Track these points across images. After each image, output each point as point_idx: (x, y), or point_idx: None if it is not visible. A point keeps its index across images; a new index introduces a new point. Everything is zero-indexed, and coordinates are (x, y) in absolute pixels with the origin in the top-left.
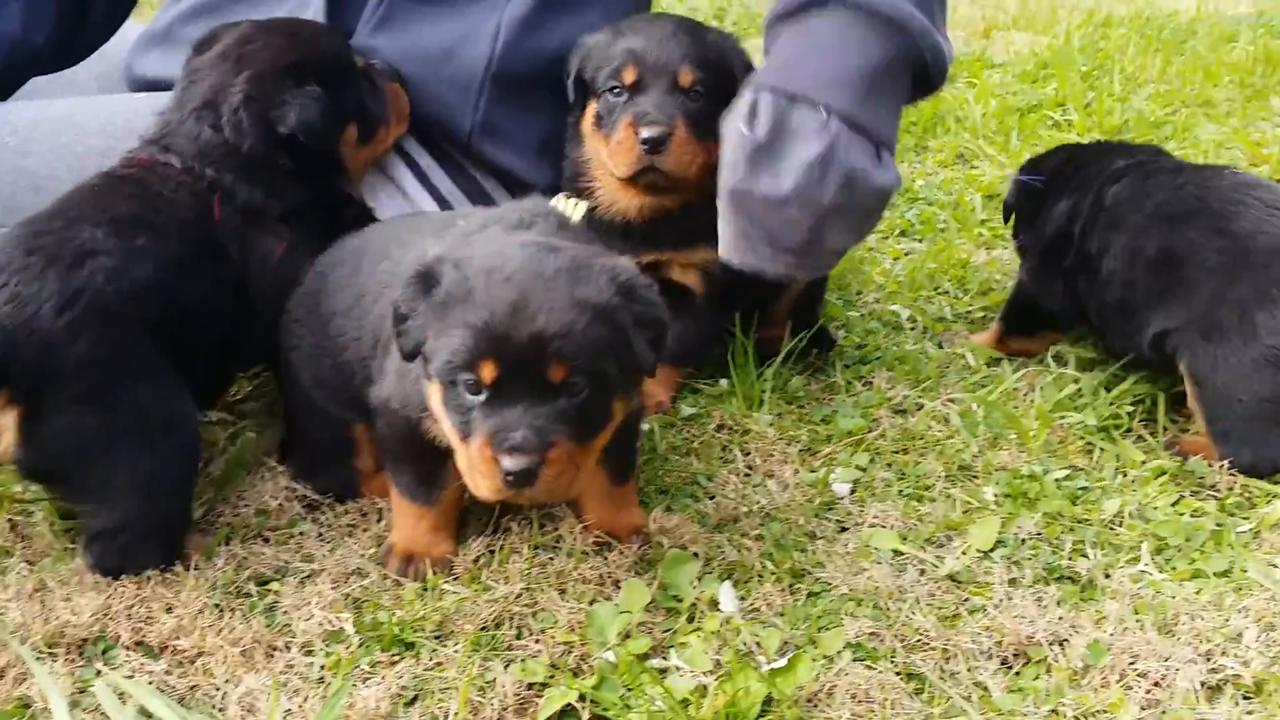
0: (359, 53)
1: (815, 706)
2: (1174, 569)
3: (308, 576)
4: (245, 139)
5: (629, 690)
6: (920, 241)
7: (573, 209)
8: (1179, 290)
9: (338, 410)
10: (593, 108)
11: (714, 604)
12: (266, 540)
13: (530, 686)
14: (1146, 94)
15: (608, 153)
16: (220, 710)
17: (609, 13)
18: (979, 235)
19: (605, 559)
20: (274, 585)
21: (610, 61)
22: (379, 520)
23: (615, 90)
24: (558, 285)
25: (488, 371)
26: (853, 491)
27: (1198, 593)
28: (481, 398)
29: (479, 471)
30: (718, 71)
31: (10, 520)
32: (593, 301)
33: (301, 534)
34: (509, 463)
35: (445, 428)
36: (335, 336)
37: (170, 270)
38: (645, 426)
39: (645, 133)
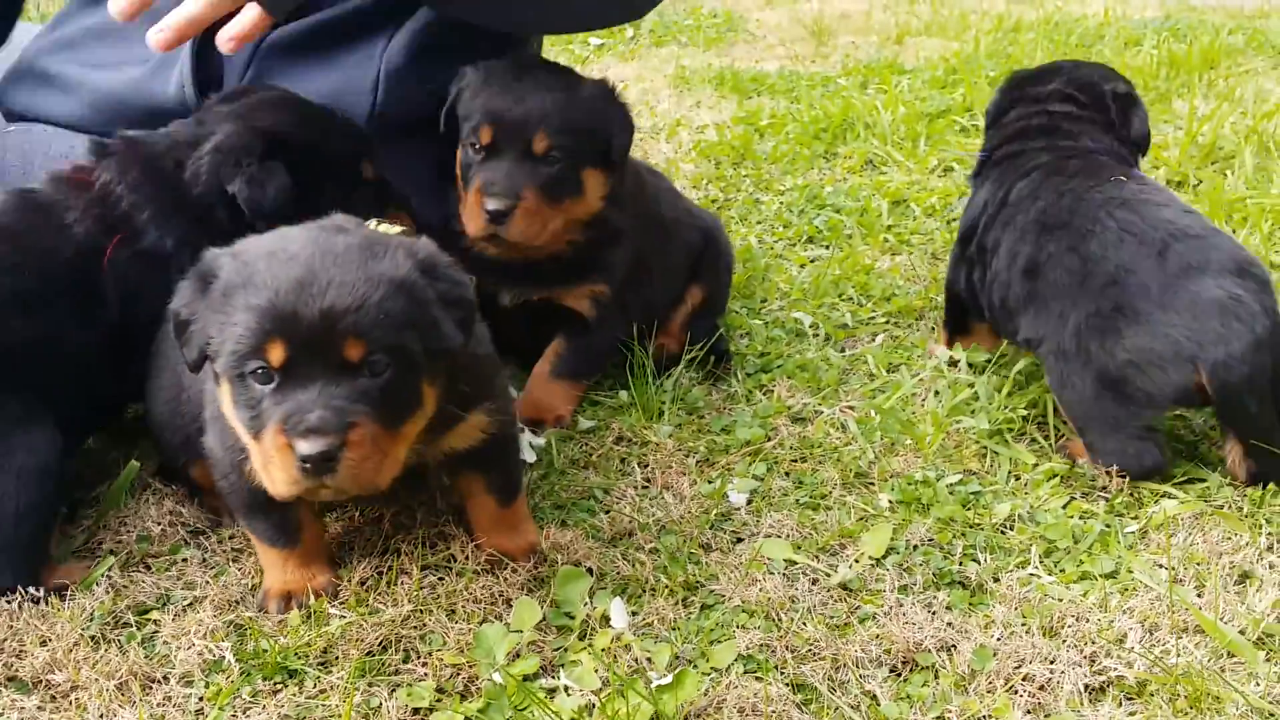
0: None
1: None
2: (1062, 571)
3: (189, 605)
4: (198, 185)
5: (517, 711)
6: (827, 248)
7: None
8: (1039, 302)
9: (176, 449)
10: (460, 155)
11: (606, 620)
12: (148, 568)
13: (416, 711)
14: None
15: (464, 210)
16: None
17: (489, 56)
18: (884, 241)
19: (497, 577)
20: (154, 614)
21: (471, 117)
22: None
23: (474, 146)
24: (349, 260)
25: (276, 354)
26: (749, 502)
27: (1084, 595)
28: (272, 385)
29: (273, 464)
30: (582, 132)
31: None
32: (389, 275)
33: (184, 560)
34: (304, 447)
35: (238, 430)
36: (180, 380)
37: (19, 304)
38: (541, 441)
39: (490, 205)
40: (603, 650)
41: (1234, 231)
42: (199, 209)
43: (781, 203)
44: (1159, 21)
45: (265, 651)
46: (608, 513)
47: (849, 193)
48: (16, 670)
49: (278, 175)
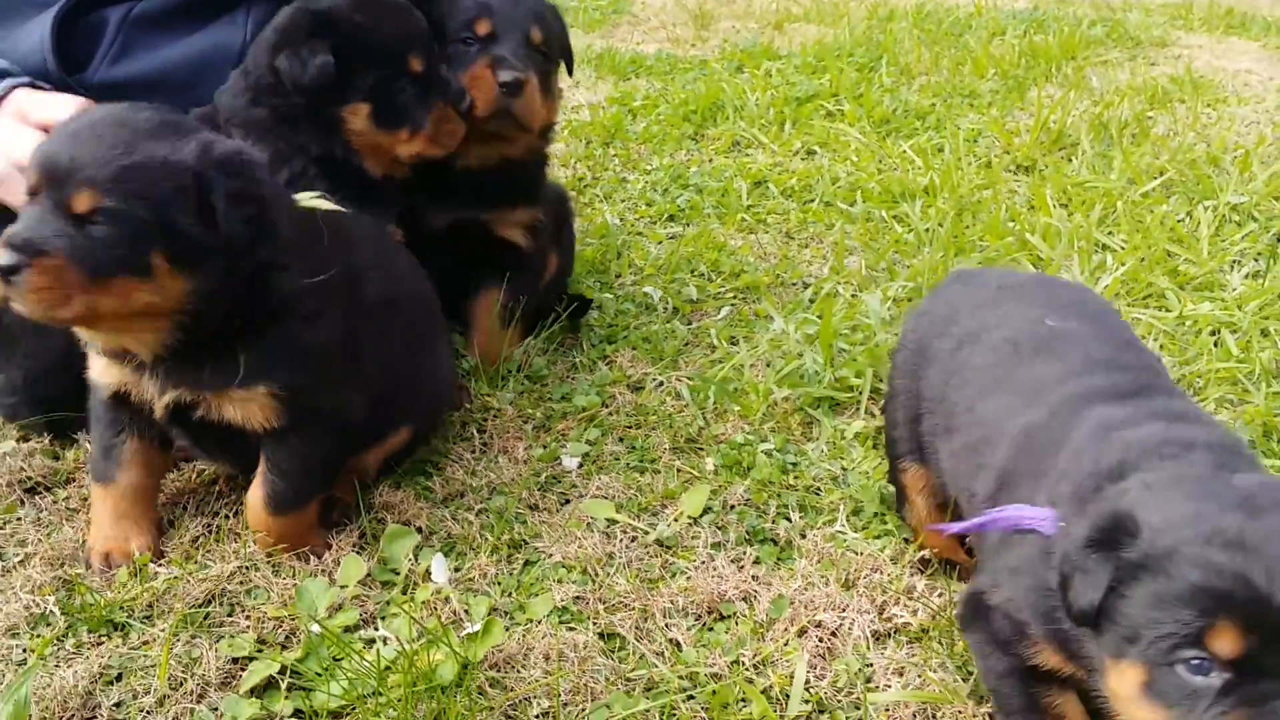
0: (100, 86)
1: (512, 668)
2: (866, 529)
3: (20, 561)
4: (256, 68)
5: (334, 661)
6: (686, 226)
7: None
8: None
9: None
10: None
11: (429, 575)
12: None
13: (236, 661)
14: (917, 85)
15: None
16: None
17: None
18: (741, 220)
19: (330, 535)
20: None
21: (459, 14)
22: None
23: (468, 39)
24: (128, 129)
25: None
26: (581, 465)
27: (882, 549)
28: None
29: None
30: (556, 36)
31: None
32: (161, 153)
33: (19, 519)
34: None
35: None
36: None
37: None
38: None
39: (504, 76)
40: (423, 604)
41: (1070, 215)
42: (262, 90)
43: (647, 182)
44: (1027, 13)
45: (91, 606)
46: (441, 475)
47: (713, 173)
48: None
49: (320, 53)
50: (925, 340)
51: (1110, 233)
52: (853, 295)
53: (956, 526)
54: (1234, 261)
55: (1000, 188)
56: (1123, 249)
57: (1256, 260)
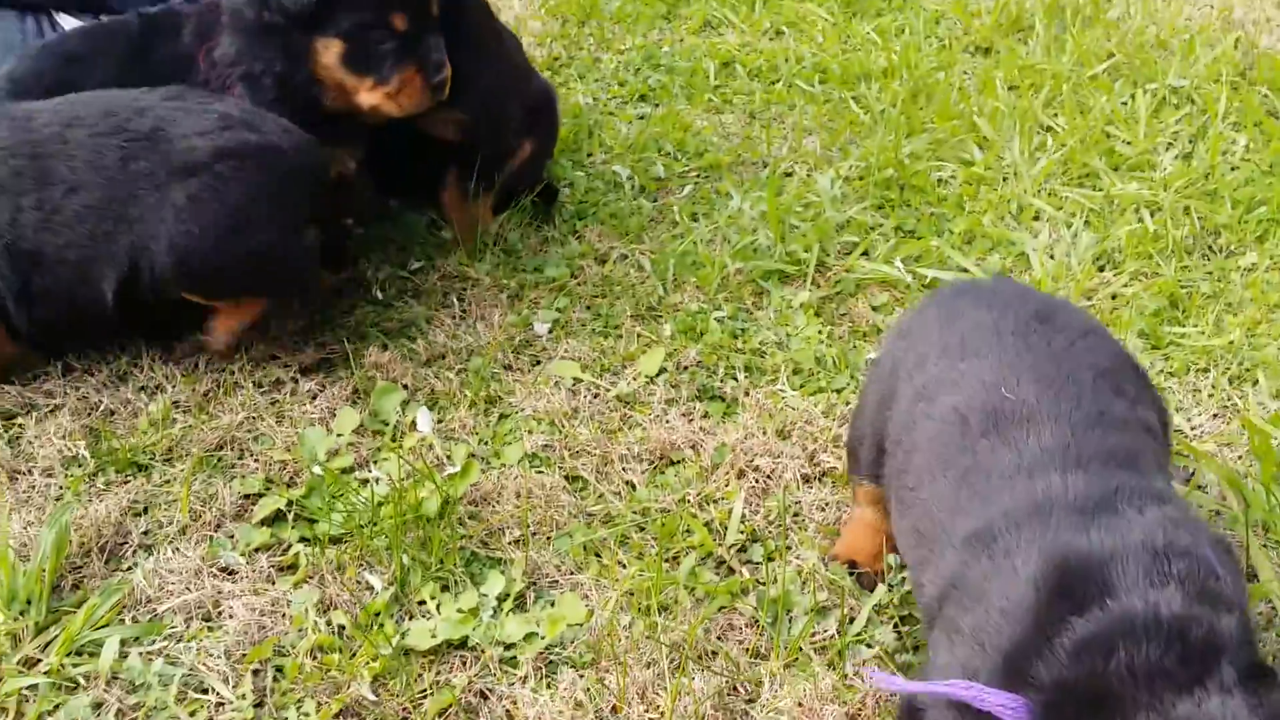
0: None
1: (487, 504)
2: (803, 388)
3: (50, 411)
4: None
5: (334, 498)
6: (656, 107)
7: None
8: None
9: None
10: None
11: (414, 426)
12: (13, 381)
13: (248, 497)
14: None
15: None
16: None
17: None
18: (708, 101)
19: (326, 391)
20: (19, 419)
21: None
22: (123, 355)
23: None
24: None
25: None
26: (550, 331)
27: (816, 405)
28: None
29: None
30: None
31: None
32: None
33: (46, 374)
34: None
35: None
36: None
37: None
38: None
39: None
40: (409, 449)
41: (1019, 97)
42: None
43: (620, 62)
44: None
45: (117, 449)
46: (425, 338)
47: (683, 53)
48: None
49: None
50: (896, 371)
51: (1055, 114)
52: (807, 174)
53: (904, 685)
54: (1167, 144)
55: (955, 69)
56: (1064, 131)
57: (1190, 142)
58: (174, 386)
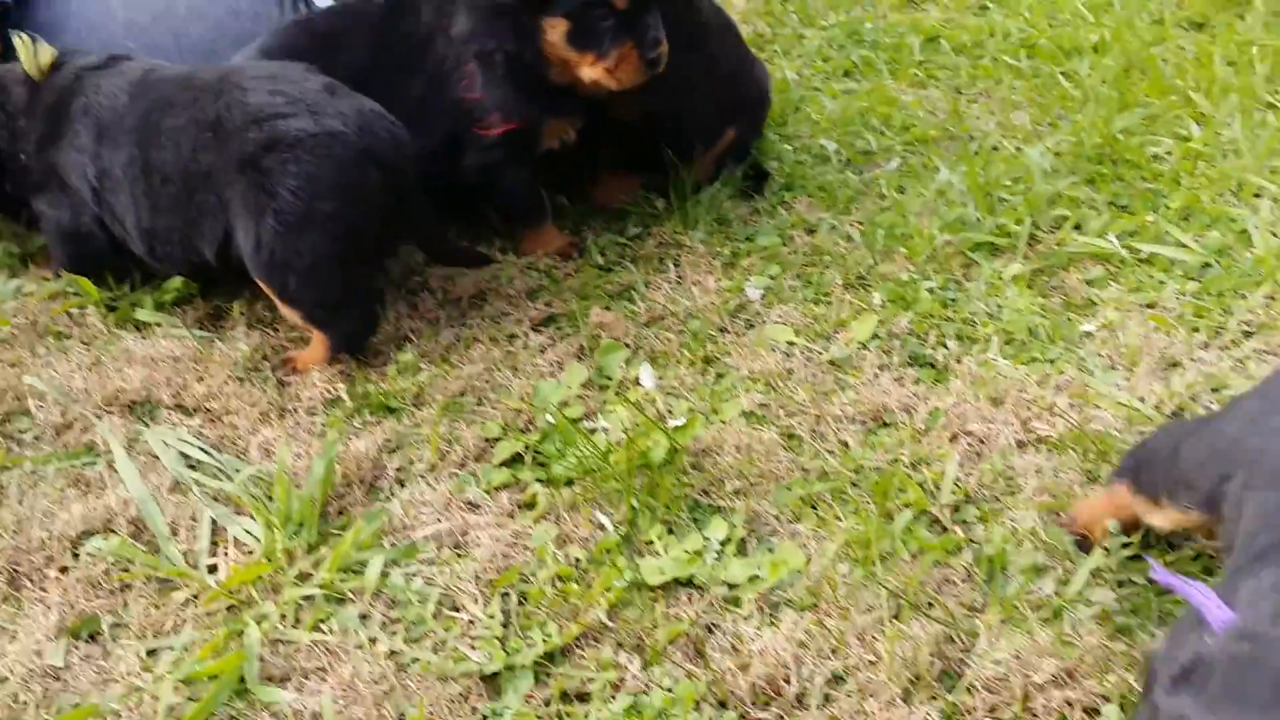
0: None
1: (708, 456)
2: (1015, 357)
3: None
4: None
5: (564, 445)
6: (860, 82)
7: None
8: None
9: None
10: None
11: (637, 381)
12: (275, 329)
13: (487, 440)
14: None
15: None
16: (243, 454)
17: None
18: (913, 76)
19: (555, 347)
20: None
21: None
22: None
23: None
24: None
25: None
26: (763, 297)
27: (1029, 375)
28: None
29: None
30: None
31: (68, 313)
32: None
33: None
34: None
35: None
36: None
37: None
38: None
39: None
40: (633, 404)
41: (1238, 73)
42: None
43: (823, 38)
44: None
45: (371, 394)
46: (644, 301)
47: (886, 29)
48: (182, 399)
49: None
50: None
51: (1277, 91)
52: (1016, 149)
53: (1166, 575)
54: None
55: (1169, 45)
56: None
57: None
58: (419, 338)
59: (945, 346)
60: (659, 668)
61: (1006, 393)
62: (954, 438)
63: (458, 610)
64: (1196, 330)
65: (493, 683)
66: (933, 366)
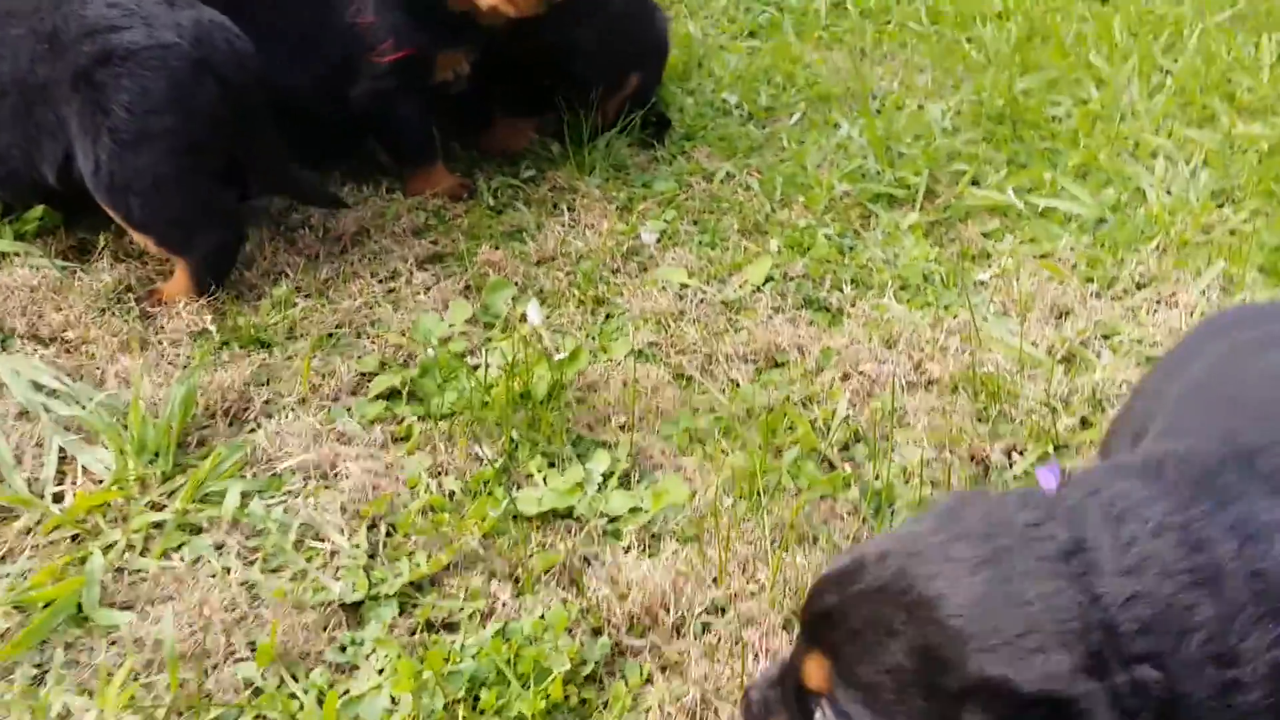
0: None
1: (594, 391)
2: (910, 302)
3: None
4: None
5: (445, 380)
6: (765, 42)
7: None
8: None
9: None
10: None
11: (524, 319)
12: (144, 261)
13: (363, 374)
14: None
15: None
16: (100, 384)
17: None
18: (818, 38)
19: (440, 285)
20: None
21: None
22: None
23: None
24: None
25: None
26: (658, 240)
27: (922, 318)
28: None
29: None
30: None
31: None
32: None
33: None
34: None
35: None
36: None
37: None
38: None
39: None
40: (520, 339)
41: (1138, 42)
42: None
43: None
44: None
45: (241, 327)
46: (535, 241)
47: None
48: (37, 329)
49: None
50: None
51: (1175, 60)
52: (918, 106)
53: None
54: None
55: (1072, 14)
56: (1183, 75)
57: None
58: (296, 273)
59: (840, 290)
60: (532, 596)
61: (899, 335)
62: (845, 377)
63: (321, 540)
64: (1090, 280)
65: (355, 612)
66: (827, 310)
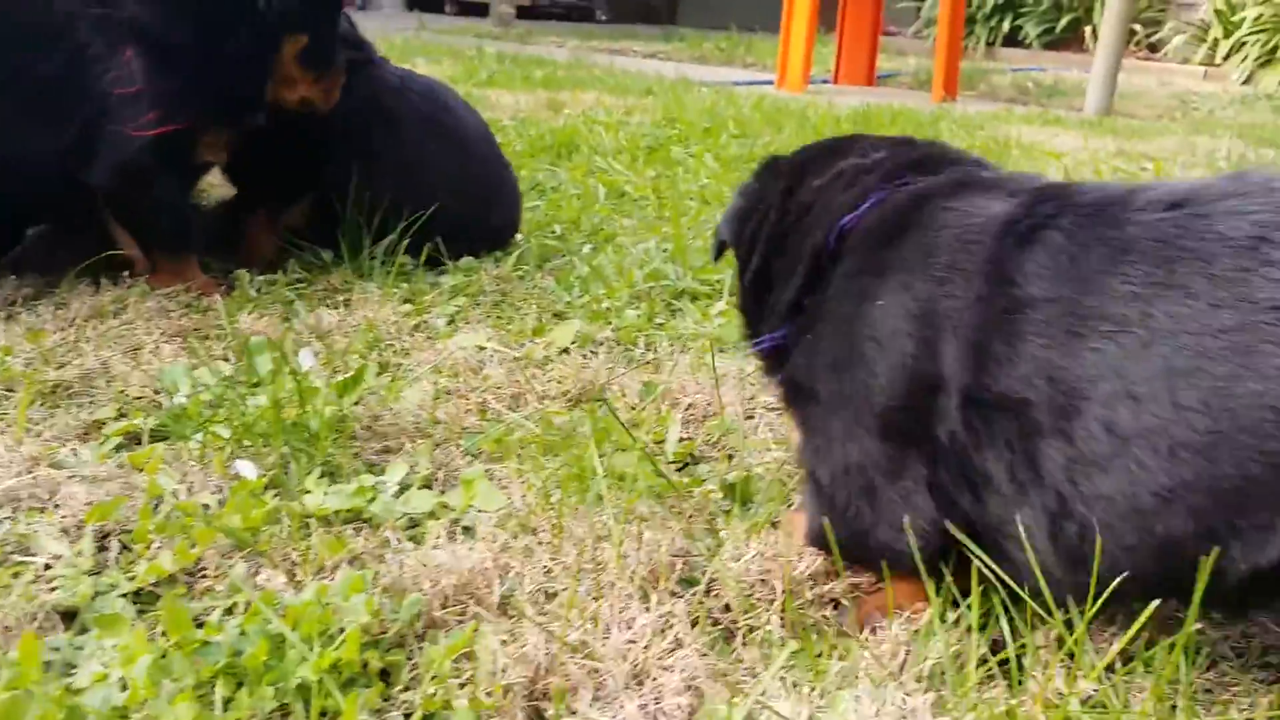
0: None
1: (381, 419)
2: (732, 352)
3: None
4: None
5: (201, 427)
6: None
7: None
8: None
9: None
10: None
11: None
12: None
13: (98, 422)
14: (762, 143)
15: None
16: None
17: None
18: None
19: (195, 354)
20: None
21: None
22: None
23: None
24: None
25: None
26: (450, 323)
27: (749, 366)
28: None
29: None
30: None
31: None
32: None
33: None
34: None
35: None
36: None
37: None
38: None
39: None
40: (290, 372)
41: None
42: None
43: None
44: (861, 106)
45: None
46: (307, 321)
47: (571, 183)
48: None
49: None
50: None
51: None
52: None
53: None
54: None
55: None
56: None
57: None
58: (13, 341)
59: (656, 351)
60: (316, 585)
61: (726, 375)
62: (673, 405)
63: (33, 556)
64: None
65: (73, 621)
66: (643, 363)
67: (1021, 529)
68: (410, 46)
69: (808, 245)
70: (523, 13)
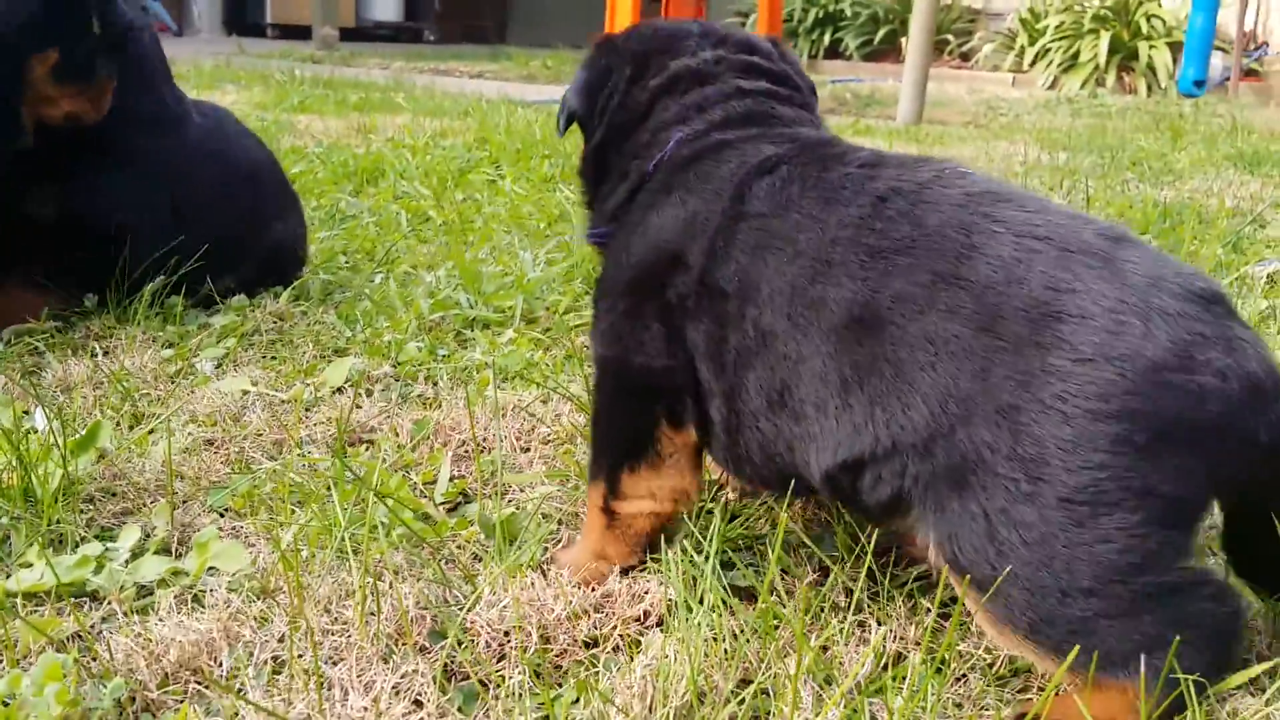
0: None
1: (123, 478)
2: (514, 386)
3: None
4: None
5: None
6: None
7: None
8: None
9: None
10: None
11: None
12: None
13: None
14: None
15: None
16: None
17: None
18: (401, 238)
19: None
20: None
21: None
22: None
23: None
24: None
25: None
26: (218, 367)
27: (531, 397)
28: None
29: None
30: None
31: None
32: None
33: None
34: None
35: None
36: None
37: None
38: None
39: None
40: (20, 436)
41: None
42: None
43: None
44: None
45: None
46: (53, 372)
47: (374, 209)
48: None
49: None
50: None
51: None
52: (509, 249)
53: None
54: None
55: None
56: None
57: None
58: None
59: (436, 384)
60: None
61: (507, 407)
62: (445, 443)
63: None
64: None
65: None
66: (423, 401)
67: (715, 413)
68: (221, 73)
69: (634, 167)
70: (348, 35)
